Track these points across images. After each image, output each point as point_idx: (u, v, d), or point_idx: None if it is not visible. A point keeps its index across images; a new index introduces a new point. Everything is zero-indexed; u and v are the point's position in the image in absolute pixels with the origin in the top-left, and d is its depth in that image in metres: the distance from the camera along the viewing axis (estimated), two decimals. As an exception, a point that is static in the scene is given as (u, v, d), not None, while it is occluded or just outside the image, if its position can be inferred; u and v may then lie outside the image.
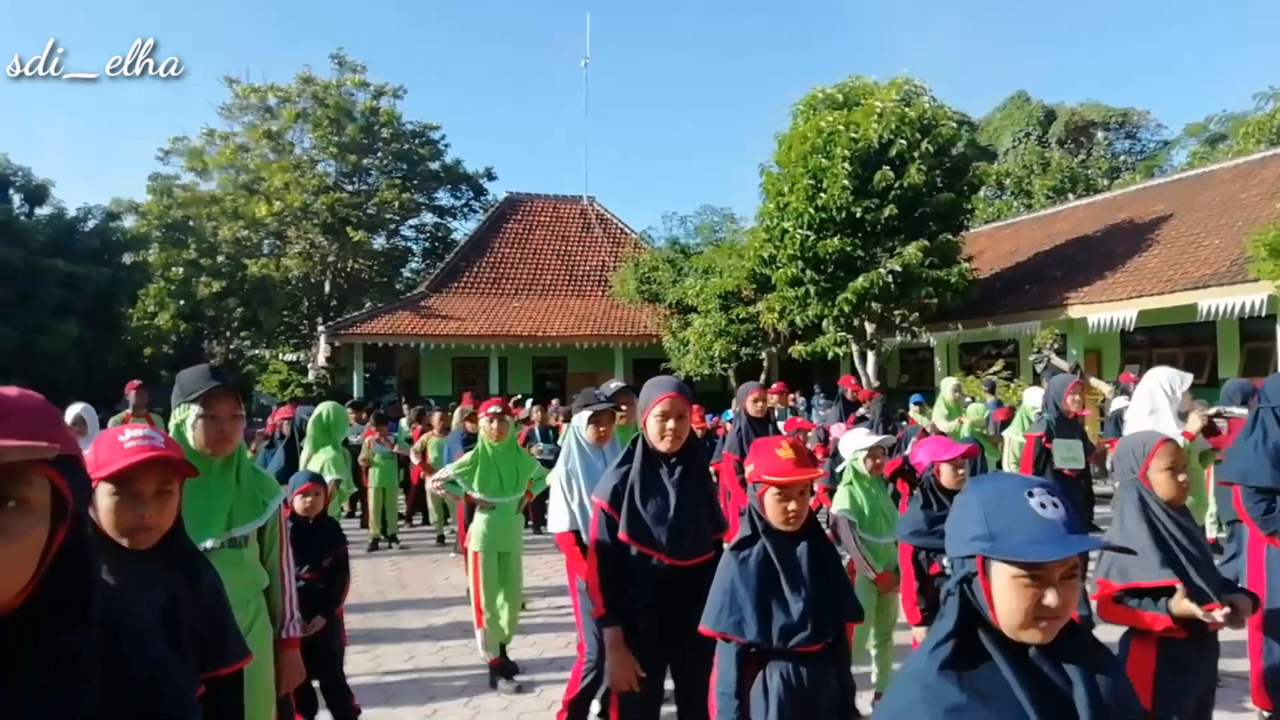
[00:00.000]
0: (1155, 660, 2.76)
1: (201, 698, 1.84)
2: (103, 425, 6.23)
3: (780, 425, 8.33)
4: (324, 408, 5.64)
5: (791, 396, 13.67)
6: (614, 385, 4.74)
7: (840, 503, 4.65)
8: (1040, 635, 1.32)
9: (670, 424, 3.04)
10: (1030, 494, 1.38)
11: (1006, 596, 1.32)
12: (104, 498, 1.84)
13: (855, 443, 4.78)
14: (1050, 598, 1.30)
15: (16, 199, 18.54)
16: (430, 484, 6.08)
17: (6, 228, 16.79)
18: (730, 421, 8.52)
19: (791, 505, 2.57)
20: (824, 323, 15.81)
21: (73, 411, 5.71)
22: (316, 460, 5.08)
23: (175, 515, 1.93)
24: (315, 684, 4.29)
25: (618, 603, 3.05)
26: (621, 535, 3.03)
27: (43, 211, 18.90)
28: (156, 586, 1.84)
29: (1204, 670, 2.84)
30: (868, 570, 4.50)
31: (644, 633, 3.03)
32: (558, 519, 4.02)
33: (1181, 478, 2.83)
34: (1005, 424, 9.61)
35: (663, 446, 3.07)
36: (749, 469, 2.71)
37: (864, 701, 4.63)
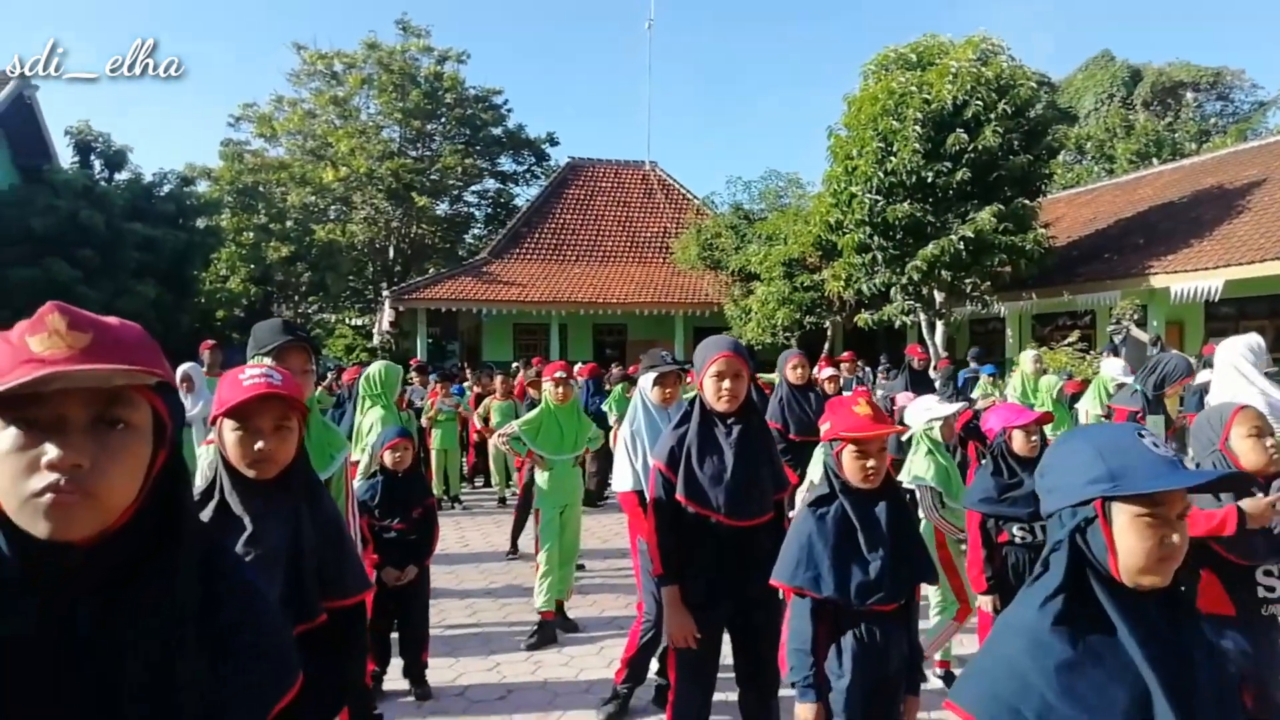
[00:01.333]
0: None
1: (324, 626, 1.95)
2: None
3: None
4: (376, 366, 5.64)
5: (858, 365, 13.39)
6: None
7: (920, 471, 4.50)
8: (1161, 578, 1.30)
9: (726, 384, 2.98)
10: (1141, 435, 1.36)
11: (1131, 538, 1.29)
12: (228, 432, 1.98)
13: (930, 411, 4.63)
14: (1174, 535, 1.28)
15: (97, 164, 19.08)
16: (495, 439, 6.18)
17: (90, 192, 17.27)
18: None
19: (870, 463, 2.53)
20: (891, 291, 15.42)
21: (180, 371, 5.93)
22: (368, 419, 5.11)
23: (296, 449, 2.04)
24: (394, 635, 4.43)
25: (675, 562, 3.04)
26: (678, 497, 3.00)
27: (121, 176, 19.41)
28: (281, 514, 1.98)
29: (1257, 655, 2.64)
30: (959, 535, 4.35)
31: (702, 592, 3.01)
32: (621, 478, 4.05)
33: (1269, 443, 2.63)
34: (1076, 397, 9.28)
35: (720, 407, 3.01)
36: (824, 427, 2.65)
37: (931, 674, 4.51)
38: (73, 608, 0.92)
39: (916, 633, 2.71)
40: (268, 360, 2.67)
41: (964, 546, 4.32)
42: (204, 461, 2.22)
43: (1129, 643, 1.26)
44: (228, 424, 1.97)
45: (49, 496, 0.87)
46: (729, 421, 3.02)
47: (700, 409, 3.06)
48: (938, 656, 4.57)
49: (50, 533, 0.88)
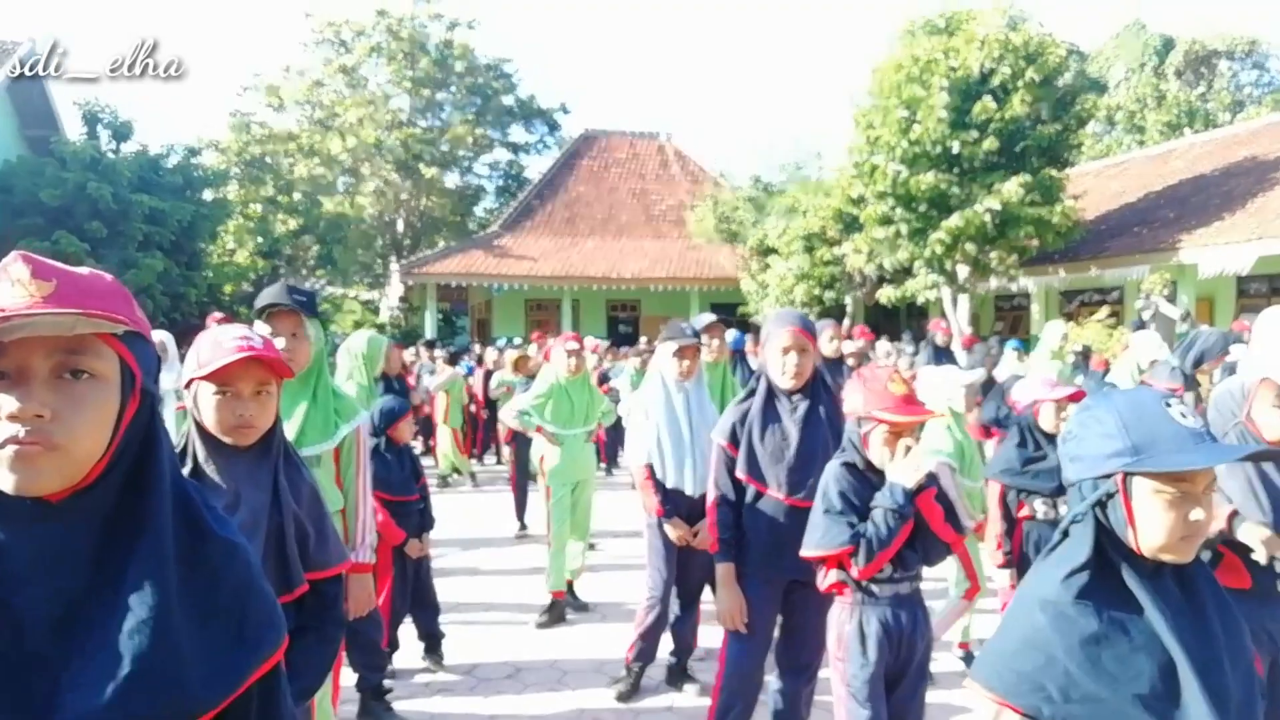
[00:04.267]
0: None
1: (303, 596, 1.92)
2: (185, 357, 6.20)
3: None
4: (358, 337, 5.15)
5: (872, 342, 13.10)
6: (706, 318, 4.65)
7: (938, 444, 4.21)
8: (1183, 554, 1.27)
9: (792, 358, 2.88)
10: (1168, 404, 1.29)
11: (1152, 514, 1.26)
12: (206, 396, 1.92)
13: (952, 380, 4.40)
14: (1196, 512, 1.24)
15: (104, 136, 18.88)
16: (505, 415, 5.98)
17: (96, 164, 17.13)
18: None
19: (909, 441, 2.47)
20: (914, 265, 15.06)
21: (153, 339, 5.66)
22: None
23: (274, 415, 1.99)
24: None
25: (731, 539, 2.98)
26: (738, 474, 2.93)
27: (128, 148, 19.19)
28: (260, 482, 1.95)
29: (1274, 627, 2.45)
30: (967, 519, 4.11)
31: (757, 564, 2.96)
32: (634, 451, 3.97)
33: None
34: (1104, 374, 9.05)
35: (784, 384, 2.91)
36: (852, 402, 2.53)
37: (951, 656, 4.41)
38: (59, 562, 0.91)
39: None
40: (260, 324, 2.60)
41: (971, 526, 4.14)
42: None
43: (1153, 615, 1.24)
44: (206, 387, 1.90)
45: (10, 448, 0.87)
46: (794, 398, 2.94)
47: (766, 385, 2.98)
48: (958, 639, 4.44)
49: (16, 485, 0.88)
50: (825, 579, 2.56)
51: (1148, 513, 1.26)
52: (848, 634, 2.53)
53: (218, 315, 8.65)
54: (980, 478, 4.22)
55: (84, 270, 0.95)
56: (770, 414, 2.95)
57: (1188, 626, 1.25)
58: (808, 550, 2.53)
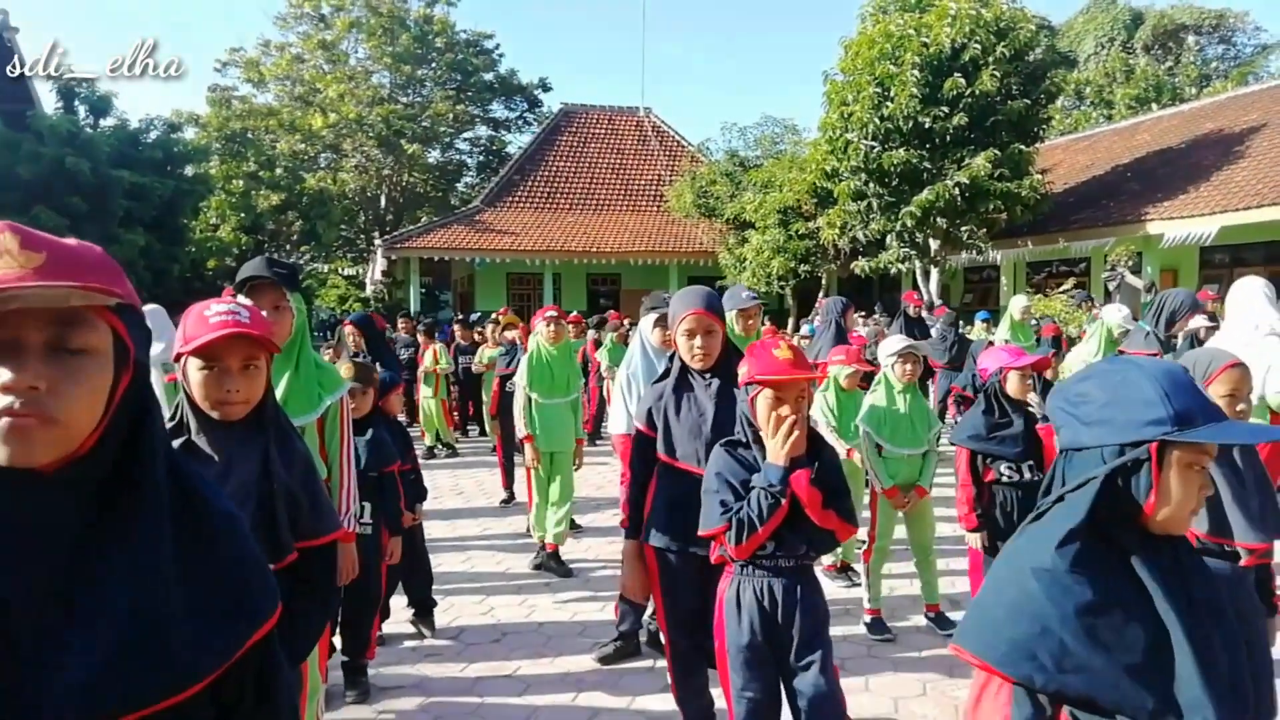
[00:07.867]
0: None
1: (295, 565, 1.94)
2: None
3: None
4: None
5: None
6: (739, 299, 4.64)
7: (861, 410, 4.55)
8: (1186, 526, 1.28)
9: (698, 341, 2.89)
10: (1188, 374, 1.32)
11: (1179, 486, 1.25)
12: (193, 371, 1.90)
13: (888, 347, 4.62)
14: (1208, 485, 1.27)
15: (82, 110, 18.69)
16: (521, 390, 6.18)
17: (75, 138, 16.94)
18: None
19: (784, 410, 2.38)
20: (887, 238, 15.34)
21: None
22: None
23: (264, 389, 1.98)
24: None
25: (638, 519, 3.03)
26: (660, 455, 2.96)
27: (106, 123, 19.02)
28: (251, 454, 1.93)
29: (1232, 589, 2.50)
30: (876, 483, 4.43)
31: (680, 538, 2.93)
32: (617, 421, 4.10)
33: (1240, 407, 2.53)
34: (1056, 340, 9.35)
35: (694, 365, 2.94)
36: (742, 371, 2.53)
37: (918, 617, 4.59)
38: (51, 532, 0.90)
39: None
40: (241, 297, 2.61)
41: (880, 490, 4.42)
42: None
43: (1150, 585, 1.22)
44: (193, 363, 1.89)
45: (5, 420, 0.85)
46: (706, 376, 2.95)
47: (679, 366, 3.00)
48: (925, 599, 4.58)
49: (9, 457, 0.85)
50: (715, 552, 2.61)
51: (1176, 483, 1.24)
52: (724, 602, 2.52)
53: (230, 289, 8.70)
54: (908, 444, 4.41)
55: (72, 241, 0.93)
56: (684, 393, 2.95)
57: (1180, 598, 1.23)
58: (700, 530, 2.56)
